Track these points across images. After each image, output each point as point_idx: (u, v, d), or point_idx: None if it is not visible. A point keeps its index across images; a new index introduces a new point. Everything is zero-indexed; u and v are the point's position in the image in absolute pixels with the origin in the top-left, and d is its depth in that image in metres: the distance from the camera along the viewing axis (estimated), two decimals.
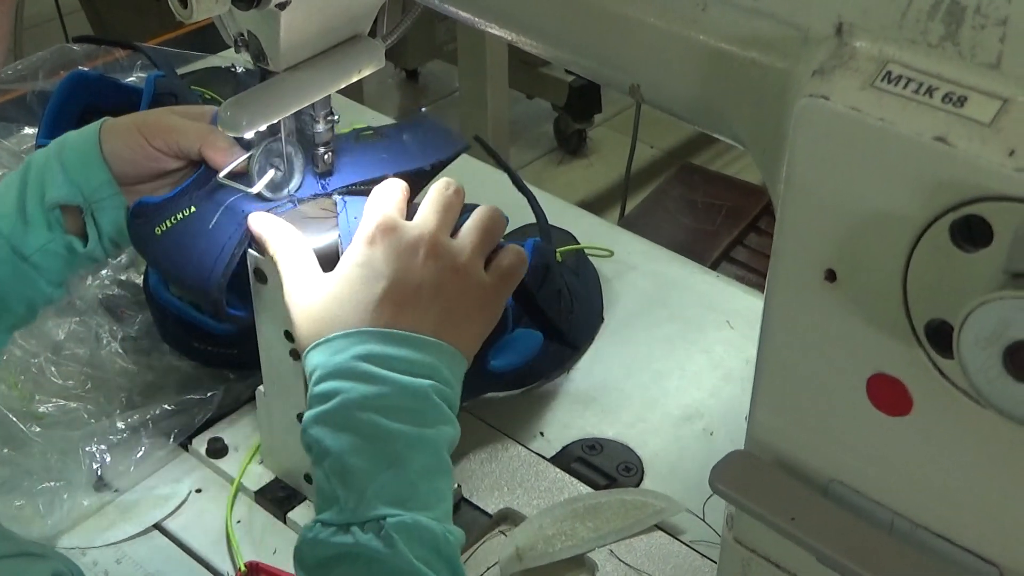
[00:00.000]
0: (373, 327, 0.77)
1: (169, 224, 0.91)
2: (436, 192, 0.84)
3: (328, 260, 0.85)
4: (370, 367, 0.75)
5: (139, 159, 0.91)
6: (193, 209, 0.91)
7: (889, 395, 0.59)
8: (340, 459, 0.73)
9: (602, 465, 1.03)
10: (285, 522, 0.99)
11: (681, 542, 0.96)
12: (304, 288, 0.82)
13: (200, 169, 0.92)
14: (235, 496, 1.01)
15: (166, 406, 1.04)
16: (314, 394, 0.76)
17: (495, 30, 0.79)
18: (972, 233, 0.53)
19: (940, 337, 0.56)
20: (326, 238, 0.87)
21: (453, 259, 0.81)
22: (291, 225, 0.87)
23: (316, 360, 0.78)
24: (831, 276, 0.59)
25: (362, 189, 0.91)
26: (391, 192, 0.84)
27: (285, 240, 0.85)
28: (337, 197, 0.91)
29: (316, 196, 0.93)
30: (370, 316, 0.78)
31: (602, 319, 1.19)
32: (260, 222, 0.87)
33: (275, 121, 0.88)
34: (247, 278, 0.91)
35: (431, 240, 0.80)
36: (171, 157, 0.92)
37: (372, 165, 0.95)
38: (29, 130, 1.32)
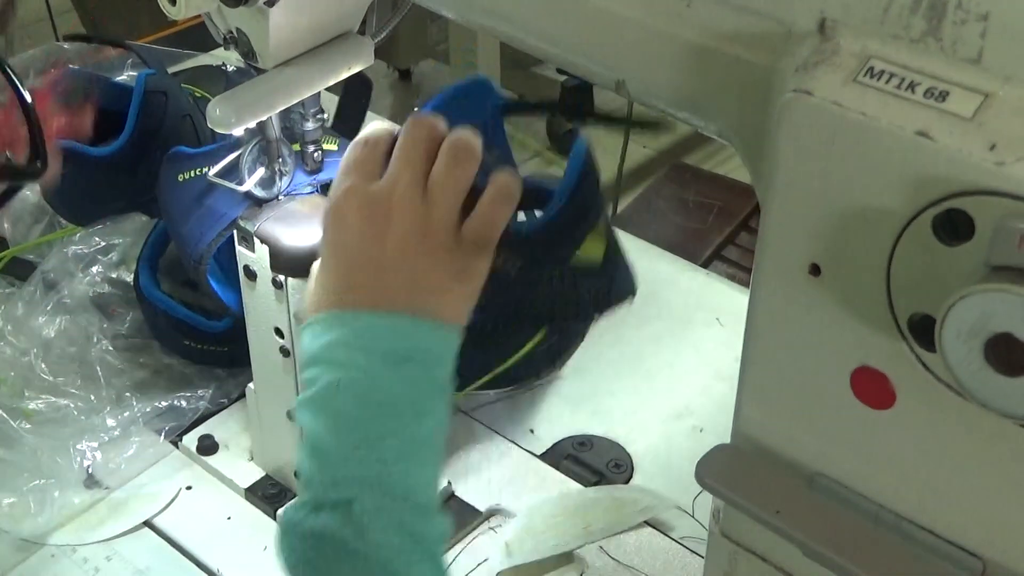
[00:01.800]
0: (343, 309, 0.73)
1: (191, 175, 0.92)
2: (406, 135, 0.74)
3: (311, 260, 0.84)
4: (343, 353, 0.72)
5: None
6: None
7: (873, 388, 0.59)
8: (315, 441, 0.72)
9: (592, 462, 1.04)
10: (275, 519, 0.99)
11: (670, 538, 0.97)
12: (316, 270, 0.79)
13: (241, 135, 0.91)
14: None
15: (157, 404, 1.05)
16: (302, 379, 0.75)
17: (482, 25, 0.79)
18: (954, 227, 0.53)
19: (923, 330, 0.56)
20: (312, 235, 0.87)
21: (422, 222, 0.72)
22: None
23: (303, 345, 0.76)
24: (815, 270, 0.59)
25: None
26: (357, 153, 0.75)
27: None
28: None
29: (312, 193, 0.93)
30: (340, 298, 0.74)
31: None
32: None
33: (264, 118, 0.89)
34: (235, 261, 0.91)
35: (396, 202, 0.72)
36: None
37: None
38: None
